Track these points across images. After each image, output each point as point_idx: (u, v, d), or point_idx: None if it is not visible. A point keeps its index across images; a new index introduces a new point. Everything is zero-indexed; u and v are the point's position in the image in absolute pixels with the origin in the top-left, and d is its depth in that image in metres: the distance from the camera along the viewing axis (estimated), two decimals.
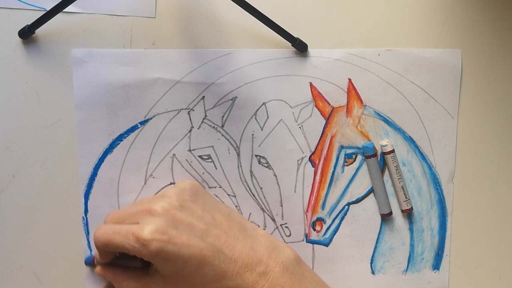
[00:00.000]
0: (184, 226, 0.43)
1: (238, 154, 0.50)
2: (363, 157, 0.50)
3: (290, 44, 0.48)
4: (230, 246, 0.44)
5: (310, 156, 0.50)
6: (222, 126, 0.49)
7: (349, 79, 0.49)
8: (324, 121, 0.50)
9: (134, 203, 0.48)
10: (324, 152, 0.50)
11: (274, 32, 0.47)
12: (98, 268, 0.47)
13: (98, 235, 0.44)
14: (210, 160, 0.49)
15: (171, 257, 0.42)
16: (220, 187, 0.50)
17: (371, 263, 0.51)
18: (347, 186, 0.50)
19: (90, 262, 0.49)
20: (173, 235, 0.42)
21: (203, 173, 0.49)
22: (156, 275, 0.44)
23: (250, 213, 0.50)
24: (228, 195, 0.49)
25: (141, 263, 0.46)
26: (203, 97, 0.49)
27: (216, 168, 0.49)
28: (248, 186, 0.50)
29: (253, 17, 0.46)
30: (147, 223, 0.42)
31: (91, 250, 0.49)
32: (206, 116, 0.49)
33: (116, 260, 0.47)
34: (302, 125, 0.50)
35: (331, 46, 0.49)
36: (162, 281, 0.44)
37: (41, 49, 0.47)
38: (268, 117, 0.49)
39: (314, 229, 0.50)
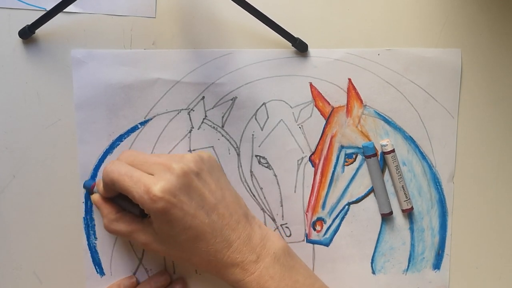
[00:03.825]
0: (196, 195, 0.43)
1: (238, 154, 0.49)
2: (363, 157, 0.50)
3: (290, 44, 0.48)
4: (231, 228, 0.44)
5: (310, 156, 0.50)
6: (222, 126, 0.49)
7: (349, 79, 0.50)
8: (324, 121, 0.50)
9: (153, 154, 0.47)
10: (324, 152, 0.50)
11: (274, 32, 0.47)
12: (95, 197, 0.47)
13: (109, 170, 0.43)
14: None
15: (173, 221, 0.41)
16: None
17: (372, 263, 0.51)
18: (347, 186, 0.50)
19: (89, 187, 0.48)
20: (183, 200, 0.42)
21: None
22: (149, 229, 0.44)
23: None
24: None
25: (139, 212, 0.45)
26: (203, 97, 0.49)
27: None
28: (248, 186, 0.50)
29: (253, 17, 0.46)
30: (161, 179, 0.42)
31: (93, 177, 0.49)
32: (206, 116, 0.49)
33: (115, 198, 0.46)
34: (302, 125, 0.50)
35: (331, 46, 0.49)
36: (152, 236, 0.44)
37: (41, 49, 0.47)
38: (268, 117, 0.49)
39: (315, 229, 0.50)
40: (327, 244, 0.51)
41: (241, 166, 0.50)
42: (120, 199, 0.46)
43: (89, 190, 0.48)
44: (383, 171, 0.50)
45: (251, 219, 0.46)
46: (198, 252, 0.43)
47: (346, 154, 0.50)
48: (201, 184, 0.43)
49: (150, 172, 0.43)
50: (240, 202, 0.47)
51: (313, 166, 0.50)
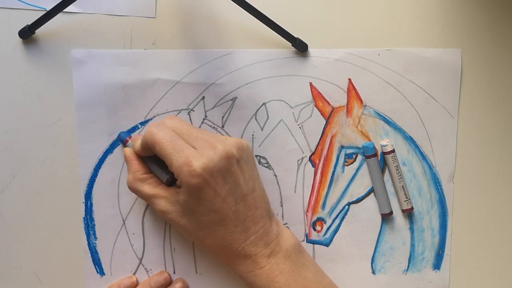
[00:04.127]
0: (231, 180, 0.42)
1: None
2: (363, 157, 0.50)
3: (290, 44, 0.48)
4: (253, 221, 0.44)
5: (310, 156, 0.50)
6: (222, 126, 0.49)
7: (349, 79, 0.50)
8: (324, 121, 0.50)
9: (196, 127, 0.46)
10: (324, 152, 0.50)
11: (274, 32, 0.47)
12: (127, 150, 0.46)
13: (153, 132, 0.43)
14: None
15: (203, 199, 0.41)
16: None
17: (372, 263, 0.51)
18: (347, 186, 0.50)
19: (123, 139, 0.48)
20: (218, 182, 0.41)
21: None
22: (173, 198, 0.44)
23: None
24: None
25: (166, 180, 0.45)
26: (203, 97, 0.49)
27: None
28: None
29: (253, 17, 0.46)
30: (204, 155, 0.41)
31: (129, 132, 0.48)
32: (206, 116, 0.49)
33: (147, 158, 0.46)
34: (302, 125, 0.50)
35: (331, 46, 0.49)
36: (174, 206, 0.43)
37: (41, 49, 0.47)
38: (268, 117, 0.49)
39: (315, 229, 0.50)
40: (327, 244, 0.51)
41: None
42: (151, 161, 0.45)
43: (122, 142, 0.48)
44: (383, 171, 0.50)
45: (272, 215, 0.46)
46: (214, 236, 0.43)
47: (346, 154, 0.50)
48: (238, 171, 0.43)
49: (193, 145, 0.43)
50: (266, 197, 0.47)
51: (313, 166, 0.50)
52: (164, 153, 0.42)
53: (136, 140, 0.46)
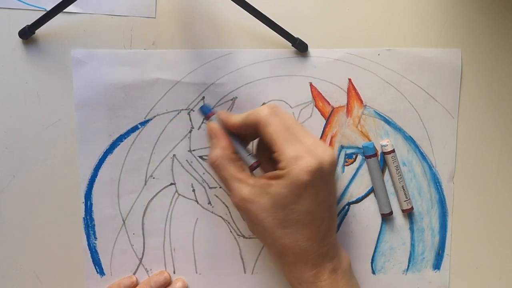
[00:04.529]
0: (330, 187, 0.42)
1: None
2: (363, 157, 0.50)
3: (290, 44, 0.48)
4: (330, 232, 0.43)
5: None
6: None
7: (349, 79, 0.49)
8: (324, 121, 0.50)
9: (302, 125, 0.45)
10: None
11: (274, 32, 0.47)
12: (213, 125, 0.44)
13: (268, 112, 0.41)
14: None
15: (303, 198, 0.40)
16: (220, 187, 0.50)
17: (372, 263, 0.51)
18: (347, 186, 0.50)
19: (206, 113, 0.45)
20: (322, 186, 0.41)
21: (204, 173, 0.49)
22: (259, 188, 0.41)
23: None
24: (229, 195, 0.49)
25: (252, 164, 0.43)
26: (203, 97, 0.49)
27: None
28: None
29: (253, 17, 0.46)
30: (320, 155, 0.40)
31: (211, 107, 0.47)
32: None
33: (234, 137, 0.44)
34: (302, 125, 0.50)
35: (331, 46, 0.49)
36: (258, 196, 0.41)
37: (41, 49, 0.47)
38: None
39: None
40: None
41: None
42: (237, 142, 0.44)
43: (205, 115, 0.46)
44: (383, 171, 0.50)
45: (332, 231, 0.45)
46: (295, 236, 0.41)
47: (346, 154, 0.50)
48: (334, 179, 0.43)
49: (303, 141, 0.41)
50: (334, 214, 0.45)
51: None
52: (276, 138, 0.40)
53: (228, 115, 0.44)
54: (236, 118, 0.43)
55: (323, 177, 0.41)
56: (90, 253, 0.49)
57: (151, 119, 0.49)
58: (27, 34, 0.47)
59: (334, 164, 0.42)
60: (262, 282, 0.51)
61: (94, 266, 0.49)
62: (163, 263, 0.50)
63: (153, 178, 0.49)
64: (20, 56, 0.47)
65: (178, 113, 0.49)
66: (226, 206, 0.50)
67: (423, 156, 0.51)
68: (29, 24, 0.46)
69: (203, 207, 0.50)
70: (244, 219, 0.49)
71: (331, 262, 0.44)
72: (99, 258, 0.49)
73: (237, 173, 0.42)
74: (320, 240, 0.42)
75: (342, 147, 0.50)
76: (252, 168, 0.44)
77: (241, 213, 0.48)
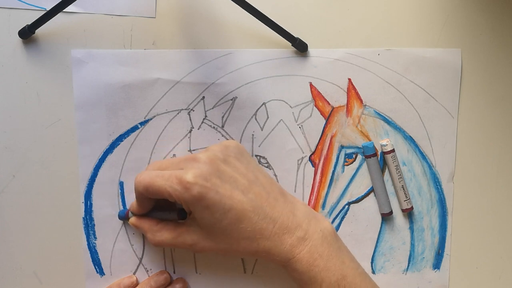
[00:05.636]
0: (227, 178, 0.43)
1: None
2: (363, 157, 0.50)
3: (290, 44, 0.48)
4: (270, 205, 0.44)
5: (310, 156, 0.50)
6: (222, 126, 0.49)
7: (349, 79, 0.50)
8: (324, 121, 0.50)
9: (179, 157, 0.46)
10: (324, 152, 0.50)
11: (274, 32, 0.47)
12: (132, 219, 0.47)
13: (140, 179, 0.43)
14: None
15: (212, 205, 0.41)
16: None
17: (372, 262, 0.51)
18: (347, 185, 0.50)
19: (124, 216, 0.48)
20: (216, 183, 0.42)
21: None
22: (192, 227, 0.44)
23: None
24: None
25: (178, 215, 0.45)
26: (203, 97, 0.49)
27: None
28: None
29: (253, 17, 0.46)
30: (191, 167, 0.42)
31: (124, 206, 0.49)
32: (206, 116, 0.49)
33: (151, 213, 0.46)
34: (302, 125, 0.50)
35: (331, 46, 0.49)
36: (197, 233, 0.44)
37: (41, 49, 0.47)
38: (268, 117, 0.49)
39: None
40: None
41: None
42: (155, 212, 0.46)
43: (125, 218, 0.48)
44: (383, 171, 0.50)
45: (290, 197, 0.46)
46: (244, 235, 0.43)
47: (346, 154, 0.50)
48: (230, 169, 0.43)
49: (179, 168, 0.43)
50: (275, 183, 0.47)
51: (313, 166, 0.50)
52: (157, 188, 0.42)
53: (133, 205, 0.47)
54: (134, 203, 0.46)
55: (209, 176, 0.42)
56: (90, 253, 0.49)
57: (151, 119, 0.49)
58: (27, 34, 0.47)
59: (212, 159, 0.43)
60: (262, 282, 0.51)
61: (94, 266, 0.49)
62: (163, 263, 0.50)
63: None
64: (20, 56, 0.47)
65: (178, 113, 0.49)
66: None
67: (423, 156, 0.51)
68: (29, 23, 0.46)
69: None
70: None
71: (300, 229, 0.43)
72: (99, 258, 0.49)
73: (172, 233, 0.45)
74: (266, 218, 0.43)
75: (342, 147, 0.50)
76: (180, 217, 0.45)
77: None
